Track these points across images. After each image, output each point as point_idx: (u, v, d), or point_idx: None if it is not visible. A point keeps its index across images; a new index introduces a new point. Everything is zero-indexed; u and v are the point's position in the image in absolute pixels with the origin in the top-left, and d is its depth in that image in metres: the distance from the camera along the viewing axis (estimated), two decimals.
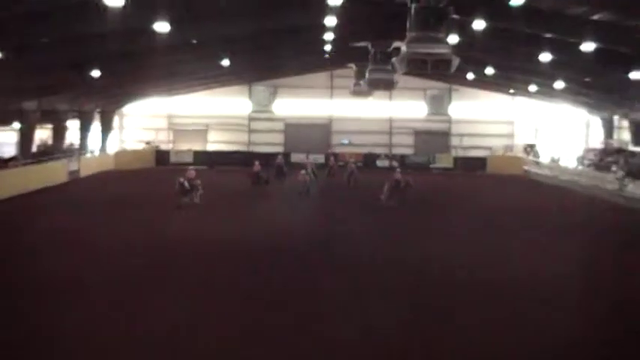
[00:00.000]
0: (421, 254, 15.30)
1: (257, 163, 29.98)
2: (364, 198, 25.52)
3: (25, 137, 30.95)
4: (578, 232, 19.52)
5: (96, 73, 26.11)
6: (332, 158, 36.47)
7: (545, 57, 26.07)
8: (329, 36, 27.47)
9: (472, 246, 16.51)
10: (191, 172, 23.31)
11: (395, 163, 42.49)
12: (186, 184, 22.53)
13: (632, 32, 20.56)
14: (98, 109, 38.48)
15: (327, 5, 19.86)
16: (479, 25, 22.38)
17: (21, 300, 10.84)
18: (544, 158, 42.72)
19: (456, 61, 19.33)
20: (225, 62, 31.16)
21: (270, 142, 45.85)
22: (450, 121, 47.20)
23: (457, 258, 14.70)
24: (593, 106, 40.59)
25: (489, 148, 46.41)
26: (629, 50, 23.62)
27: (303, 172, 27.36)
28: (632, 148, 37.13)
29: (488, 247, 16.61)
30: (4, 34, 18.23)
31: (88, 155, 37.45)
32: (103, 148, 40.04)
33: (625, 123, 39.32)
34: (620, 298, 11.89)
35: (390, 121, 47.11)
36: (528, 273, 13.61)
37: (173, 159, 41.93)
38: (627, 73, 25.74)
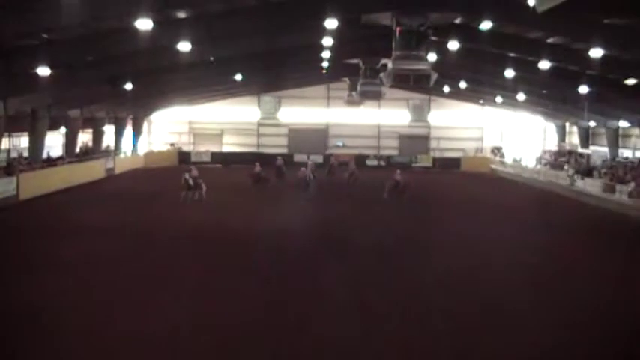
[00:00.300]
0: (420, 253, 14.58)
1: (257, 164, 28.24)
2: (364, 195, 24.42)
3: (70, 140, 31.07)
4: (542, 224, 19.69)
5: (128, 86, 26.20)
6: (332, 158, 35.57)
7: (509, 73, 26.29)
8: (326, 54, 27.51)
9: (466, 245, 15.79)
10: (194, 171, 22.33)
11: (382, 163, 42.68)
12: (190, 181, 21.66)
13: (579, 53, 20.80)
14: (130, 116, 38.52)
15: (324, 28, 19.92)
16: (453, 45, 22.54)
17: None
18: (508, 159, 42.91)
19: (434, 76, 19.44)
20: (238, 76, 31.24)
21: (276, 145, 45.80)
22: (429, 127, 47.19)
23: (454, 258, 13.93)
24: (549, 115, 40.87)
25: (463, 150, 46.47)
26: (577, 68, 23.88)
27: (303, 169, 26.35)
28: (580, 150, 37.45)
29: (477, 243, 16.03)
30: (56, 55, 18.39)
31: (122, 155, 37.54)
32: (134, 149, 40.10)
33: (575, 129, 39.62)
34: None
35: (378, 126, 47.10)
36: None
37: (193, 158, 42.06)
38: (576, 87, 26.04)
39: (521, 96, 33.54)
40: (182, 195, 21.68)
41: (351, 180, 29.15)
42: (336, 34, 21.69)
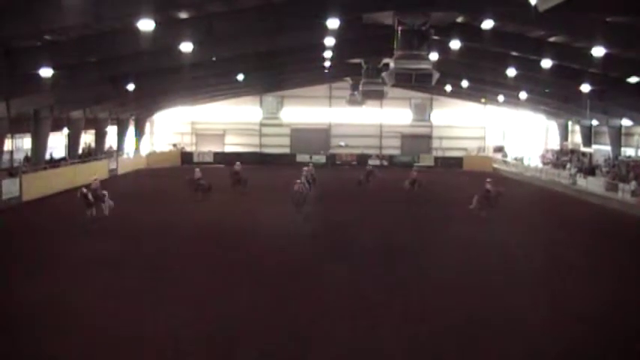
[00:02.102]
0: None
1: (197, 169, 24.84)
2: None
3: (73, 141, 31.15)
4: (544, 223, 19.74)
5: (131, 87, 26.22)
6: (371, 165, 31.09)
7: (511, 72, 26.24)
8: (328, 54, 27.48)
9: (469, 245, 15.62)
10: (96, 182, 19.18)
11: (384, 162, 42.61)
12: (89, 195, 17.80)
13: (581, 52, 20.76)
14: (133, 117, 38.57)
15: (326, 28, 19.90)
16: (455, 44, 22.52)
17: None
18: (510, 157, 42.79)
19: (436, 75, 19.45)
20: (240, 77, 31.26)
21: (278, 145, 45.91)
22: (431, 126, 47.19)
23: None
24: (551, 113, 40.76)
25: (465, 149, 46.42)
26: (580, 66, 23.82)
27: (298, 181, 21.46)
28: (582, 149, 37.35)
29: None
30: (58, 56, 18.42)
31: (125, 156, 37.62)
32: (137, 150, 40.18)
33: (577, 128, 39.49)
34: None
35: (380, 126, 47.11)
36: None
37: (196, 159, 42.15)
38: (578, 85, 25.95)
39: (523, 95, 33.47)
40: (86, 214, 17.76)
41: (415, 186, 25.88)
42: (337, 33, 21.65)
